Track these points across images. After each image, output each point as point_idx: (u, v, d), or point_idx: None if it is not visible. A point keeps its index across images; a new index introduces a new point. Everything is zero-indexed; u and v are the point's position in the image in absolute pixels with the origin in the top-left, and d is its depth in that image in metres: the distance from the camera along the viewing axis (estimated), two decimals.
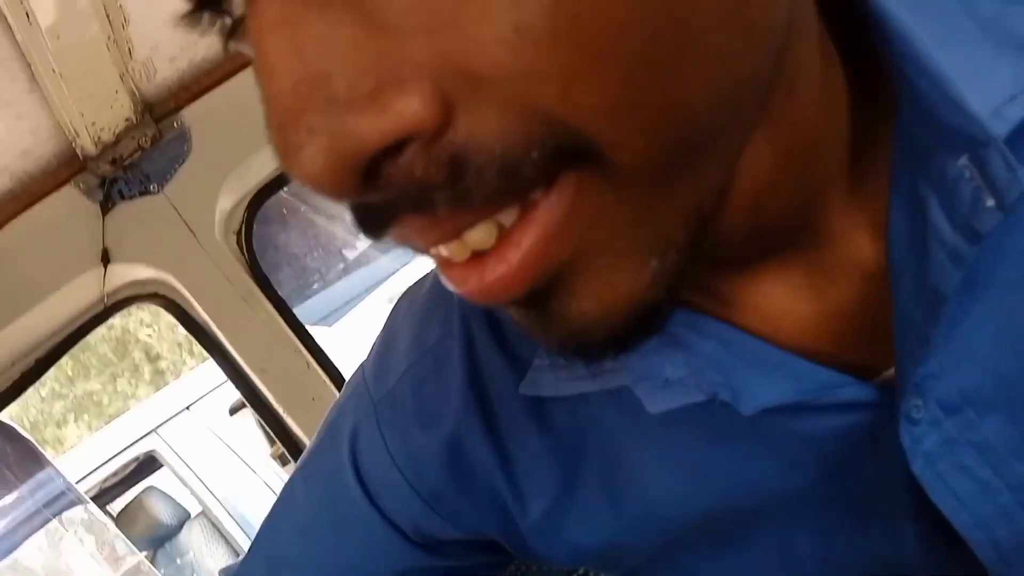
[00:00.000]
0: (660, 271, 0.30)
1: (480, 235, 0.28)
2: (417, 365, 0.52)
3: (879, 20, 0.34)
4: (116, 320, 1.41)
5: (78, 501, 3.44)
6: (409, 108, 0.24)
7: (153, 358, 7.88)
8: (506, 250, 0.28)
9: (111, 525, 3.73)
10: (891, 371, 0.39)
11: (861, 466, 0.42)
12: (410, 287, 0.57)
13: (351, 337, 3.62)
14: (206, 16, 0.28)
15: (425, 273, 0.56)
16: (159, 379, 7.77)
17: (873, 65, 0.36)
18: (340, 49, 0.24)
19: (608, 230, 0.28)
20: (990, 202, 0.33)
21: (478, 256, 0.29)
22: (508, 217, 0.28)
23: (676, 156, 0.28)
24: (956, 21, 0.34)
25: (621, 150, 0.26)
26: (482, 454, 0.50)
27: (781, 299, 0.41)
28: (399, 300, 0.57)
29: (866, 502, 0.43)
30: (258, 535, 0.57)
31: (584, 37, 0.24)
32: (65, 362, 7.54)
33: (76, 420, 7.76)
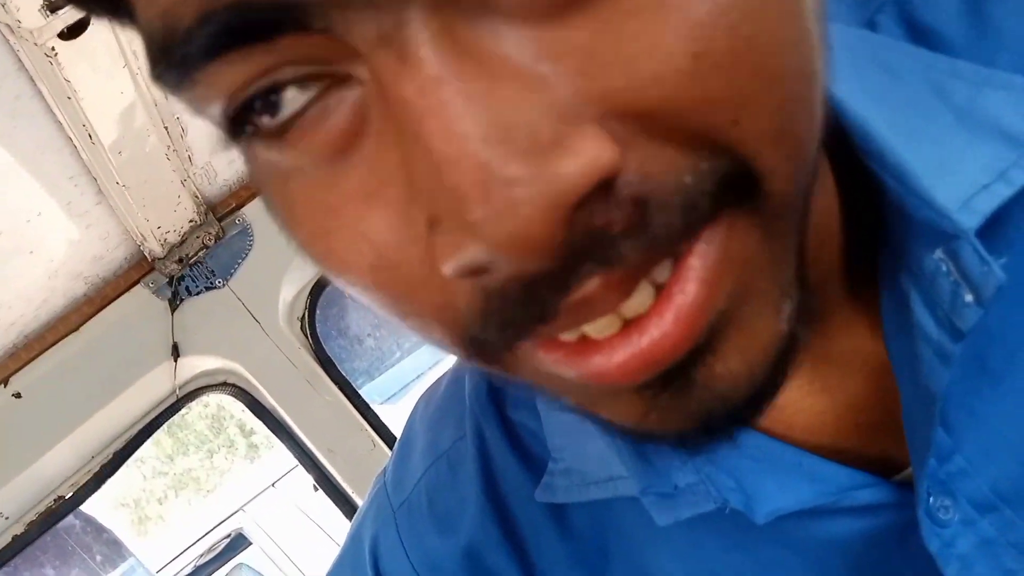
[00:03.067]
0: (790, 315, 0.28)
1: (638, 300, 0.26)
2: (432, 470, 0.52)
3: (839, 115, 0.33)
4: (211, 398, 1.47)
5: None
6: (597, 151, 0.22)
7: (247, 433, 8.09)
8: (665, 308, 0.26)
9: None
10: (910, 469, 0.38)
11: (893, 567, 0.39)
12: (428, 389, 0.57)
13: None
14: (252, 115, 0.25)
15: (440, 375, 0.56)
16: (253, 452, 7.97)
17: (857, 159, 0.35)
18: (512, 99, 0.22)
19: (755, 271, 0.27)
20: (968, 297, 0.32)
21: (628, 327, 0.26)
22: (662, 274, 0.26)
23: (806, 187, 0.27)
24: (928, 109, 0.34)
25: (776, 178, 0.25)
26: (502, 561, 0.49)
27: (792, 395, 0.39)
28: (417, 402, 0.57)
29: None
30: None
31: (757, 58, 0.23)
32: (164, 440, 7.81)
33: (176, 496, 8.00)
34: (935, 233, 0.32)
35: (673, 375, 0.27)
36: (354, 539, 0.55)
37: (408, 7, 0.22)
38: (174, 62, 0.23)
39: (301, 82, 0.24)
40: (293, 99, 0.24)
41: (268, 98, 0.24)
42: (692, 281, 0.26)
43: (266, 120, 0.25)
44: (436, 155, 0.22)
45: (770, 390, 0.29)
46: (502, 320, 0.25)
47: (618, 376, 0.27)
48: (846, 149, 0.35)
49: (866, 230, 0.37)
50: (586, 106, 0.22)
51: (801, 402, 0.40)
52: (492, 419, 0.50)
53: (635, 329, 0.26)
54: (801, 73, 0.25)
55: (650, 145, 0.23)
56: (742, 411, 0.29)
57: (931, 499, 0.36)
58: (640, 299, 0.26)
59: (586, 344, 0.27)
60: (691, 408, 0.28)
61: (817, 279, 0.36)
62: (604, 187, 0.23)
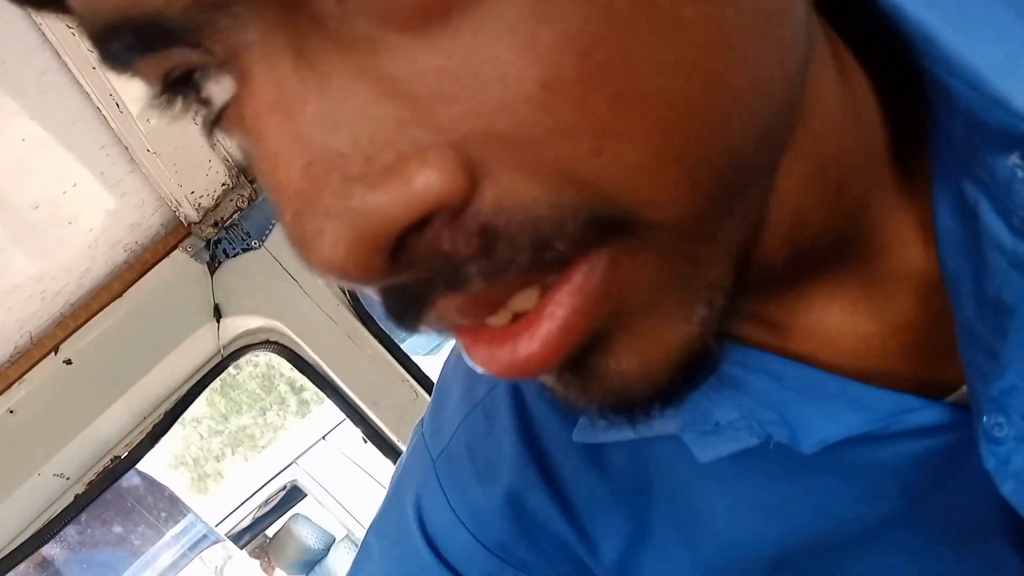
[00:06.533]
0: (708, 317, 0.28)
1: (522, 302, 0.26)
2: (469, 420, 0.52)
3: (895, 21, 0.32)
4: (261, 358, 1.52)
5: (219, 540, 3.67)
6: (433, 179, 0.21)
7: (297, 390, 8.25)
8: (539, 324, 0.26)
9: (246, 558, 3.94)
10: (964, 388, 0.36)
11: (948, 489, 0.39)
12: None
13: None
14: (180, 102, 0.25)
15: None
16: (304, 408, 8.14)
17: (899, 64, 0.33)
18: (350, 123, 0.21)
19: (650, 291, 0.26)
20: None
21: (516, 321, 0.26)
22: (520, 302, 0.26)
23: (719, 200, 0.25)
24: (987, 11, 0.32)
25: (661, 208, 0.24)
26: (543, 504, 0.49)
27: (836, 318, 0.38)
28: (450, 353, 0.57)
29: (959, 525, 0.40)
30: None
31: (616, 85, 0.21)
32: (218, 401, 8.01)
33: (233, 453, 8.23)
34: (1010, 137, 0.31)
35: (567, 365, 0.27)
36: (396, 490, 0.56)
37: (248, 27, 0.21)
38: (106, 57, 0.25)
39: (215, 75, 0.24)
40: (221, 90, 0.24)
41: (191, 81, 0.25)
42: (565, 306, 0.25)
43: (202, 101, 0.25)
44: (267, 177, 0.23)
45: (681, 388, 0.29)
46: (386, 307, 0.26)
47: (502, 375, 0.27)
48: (887, 52, 0.34)
49: (918, 137, 0.35)
50: (435, 131, 0.22)
51: (846, 325, 0.38)
52: None
53: (510, 335, 0.26)
54: (695, 86, 0.23)
55: (511, 175, 0.22)
56: (644, 405, 0.29)
57: (986, 417, 0.34)
58: (524, 300, 0.25)
59: (475, 332, 0.27)
60: (592, 393, 0.29)
61: (857, 195, 0.35)
62: (451, 213, 0.22)
